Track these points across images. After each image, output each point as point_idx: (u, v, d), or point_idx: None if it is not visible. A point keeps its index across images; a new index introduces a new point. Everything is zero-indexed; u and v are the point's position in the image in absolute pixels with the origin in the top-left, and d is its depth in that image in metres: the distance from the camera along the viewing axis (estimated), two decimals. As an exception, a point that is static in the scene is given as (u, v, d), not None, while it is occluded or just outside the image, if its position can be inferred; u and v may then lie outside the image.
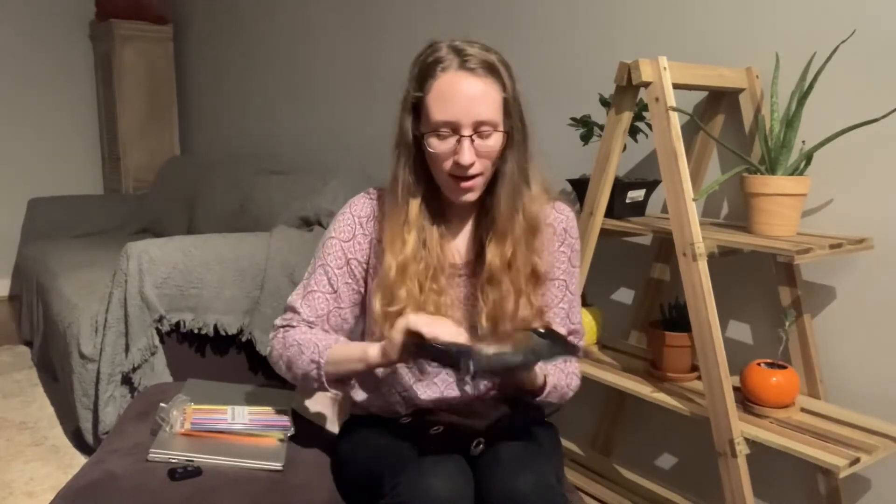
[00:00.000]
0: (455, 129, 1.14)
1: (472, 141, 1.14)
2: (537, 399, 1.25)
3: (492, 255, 1.21)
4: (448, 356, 1.04)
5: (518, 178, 1.21)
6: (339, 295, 1.30)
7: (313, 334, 1.25)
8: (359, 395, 1.33)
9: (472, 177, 1.17)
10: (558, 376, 1.28)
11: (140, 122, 4.24)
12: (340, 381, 1.25)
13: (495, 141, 1.16)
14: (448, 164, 1.16)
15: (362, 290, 1.31)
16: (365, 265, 1.30)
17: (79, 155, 4.50)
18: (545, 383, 1.24)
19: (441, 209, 1.26)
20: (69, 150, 4.46)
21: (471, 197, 1.20)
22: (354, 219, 1.30)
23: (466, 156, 1.13)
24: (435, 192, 1.24)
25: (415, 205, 1.22)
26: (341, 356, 1.20)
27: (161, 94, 4.30)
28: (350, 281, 1.30)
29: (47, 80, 4.32)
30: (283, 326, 1.31)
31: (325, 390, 1.25)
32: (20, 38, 4.20)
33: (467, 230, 1.29)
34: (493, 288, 1.22)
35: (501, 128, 1.16)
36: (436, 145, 1.15)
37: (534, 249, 1.23)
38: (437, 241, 1.24)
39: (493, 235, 1.22)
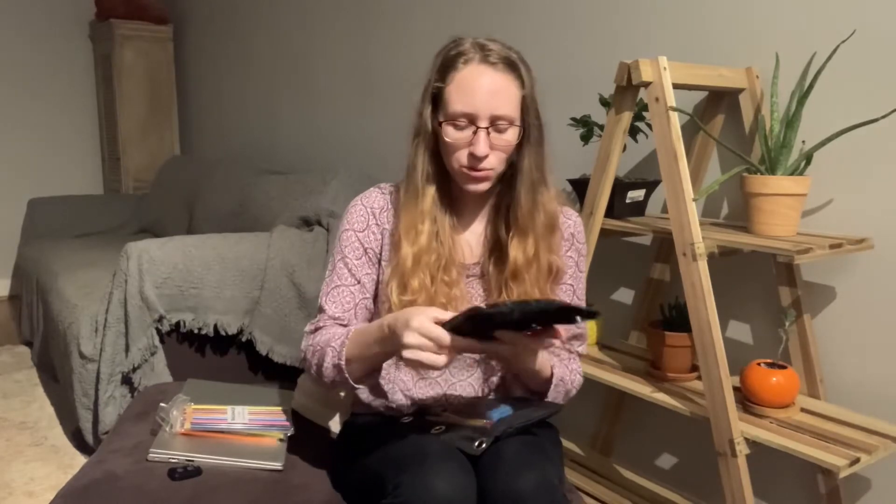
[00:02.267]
0: (472, 120, 1.16)
1: (488, 133, 1.16)
2: (546, 394, 1.25)
3: (515, 250, 1.23)
4: (468, 320, 1.02)
5: (536, 175, 1.22)
6: (364, 285, 1.29)
7: (332, 334, 1.22)
8: (362, 392, 1.33)
9: (486, 168, 1.18)
10: (563, 370, 1.28)
11: (140, 122, 4.24)
12: (370, 374, 1.20)
13: (511, 136, 1.18)
14: (463, 155, 1.18)
15: (377, 279, 1.31)
16: (378, 255, 1.30)
17: (79, 155, 4.50)
18: (552, 374, 1.24)
19: (453, 202, 1.27)
20: (69, 150, 4.46)
21: (482, 187, 1.21)
22: (367, 210, 1.30)
23: (481, 147, 1.15)
24: (449, 183, 1.26)
25: (430, 193, 1.23)
26: (357, 352, 1.16)
27: (161, 94, 4.30)
28: (370, 271, 1.30)
29: (47, 80, 4.32)
30: (313, 331, 1.28)
31: (357, 389, 1.23)
32: (20, 38, 4.20)
33: (479, 229, 1.30)
34: (517, 284, 1.23)
35: (518, 123, 1.18)
36: (452, 134, 1.17)
37: (552, 248, 1.25)
38: (449, 233, 1.25)
39: (515, 232, 1.23)
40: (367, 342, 1.14)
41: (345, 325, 1.27)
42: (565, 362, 1.31)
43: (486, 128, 1.15)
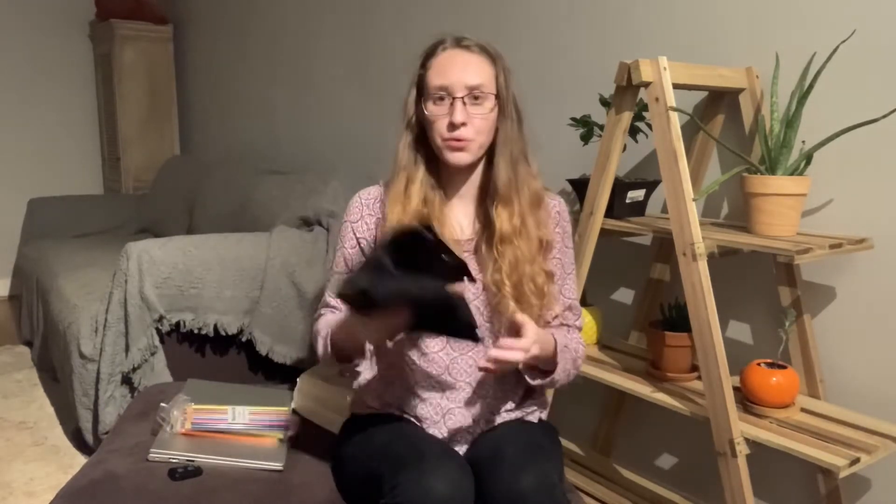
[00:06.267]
0: (449, 91, 1.24)
1: (465, 103, 1.23)
2: (555, 359, 1.25)
3: (500, 220, 1.28)
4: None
5: (515, 149, 1.29)
6: None
7: (325, 322, 1.30)
8: (368, 372, 1.35)
9: (465, 138, 1.25)
10: (564, 338, 1.31)
11: (140, 122, 4.24)
12: (358, 352, 1.25)
13: (487, 106, 1.25)
14: (443, 125, 1.25)
15: None
16: (371, 244, 1.35)
17: (79, 155, 4.50)
18: (555, 342, 1.25)
19: (442, 185, 1.33)
20: (69, 150, 4.46)
21: (464, 157, 1.26)
22: (361, 201, 1.38)
23: (458, 114, 1.23)
24: (437, 168, 1.32)
25: (417, 176, 1.30)
26: (339, 344, 1.24)
27: (161, 94, 4.30)
28: (362, 260, 1.33)
29: (47, 80, 4.32)
30: (317, 318, 1.36)
31: (350, 371, 1.30)
32: (20, 38, 4.20)
33: (469, 209, 1.34)
34: (507, 246, 1.27)
35: (493, 94, 1.26)
36: (432, 109, 1.25)
37: (539, 221, 1.31)
38: (439, 210, 1.31)
39: (499, 201, 1.29)
40: (342, 330, 1.22)
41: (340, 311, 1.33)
42: (564, 333, 1.34)
43: (462, 97, 1.23)
